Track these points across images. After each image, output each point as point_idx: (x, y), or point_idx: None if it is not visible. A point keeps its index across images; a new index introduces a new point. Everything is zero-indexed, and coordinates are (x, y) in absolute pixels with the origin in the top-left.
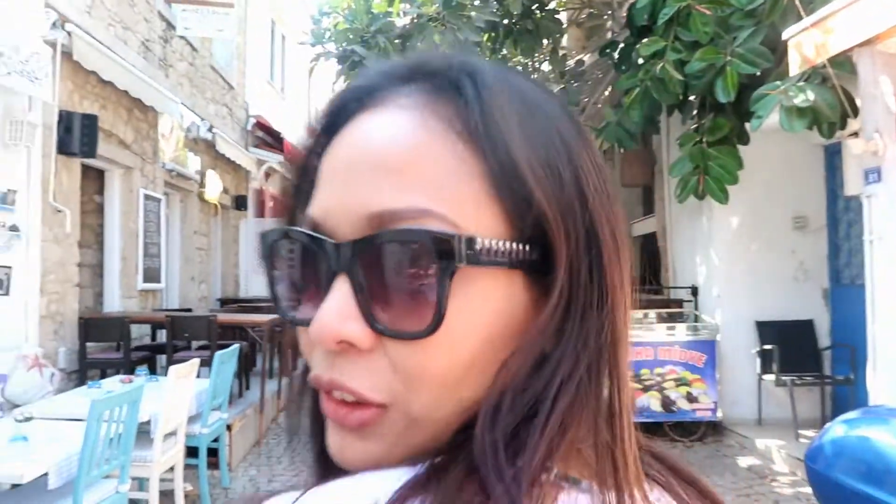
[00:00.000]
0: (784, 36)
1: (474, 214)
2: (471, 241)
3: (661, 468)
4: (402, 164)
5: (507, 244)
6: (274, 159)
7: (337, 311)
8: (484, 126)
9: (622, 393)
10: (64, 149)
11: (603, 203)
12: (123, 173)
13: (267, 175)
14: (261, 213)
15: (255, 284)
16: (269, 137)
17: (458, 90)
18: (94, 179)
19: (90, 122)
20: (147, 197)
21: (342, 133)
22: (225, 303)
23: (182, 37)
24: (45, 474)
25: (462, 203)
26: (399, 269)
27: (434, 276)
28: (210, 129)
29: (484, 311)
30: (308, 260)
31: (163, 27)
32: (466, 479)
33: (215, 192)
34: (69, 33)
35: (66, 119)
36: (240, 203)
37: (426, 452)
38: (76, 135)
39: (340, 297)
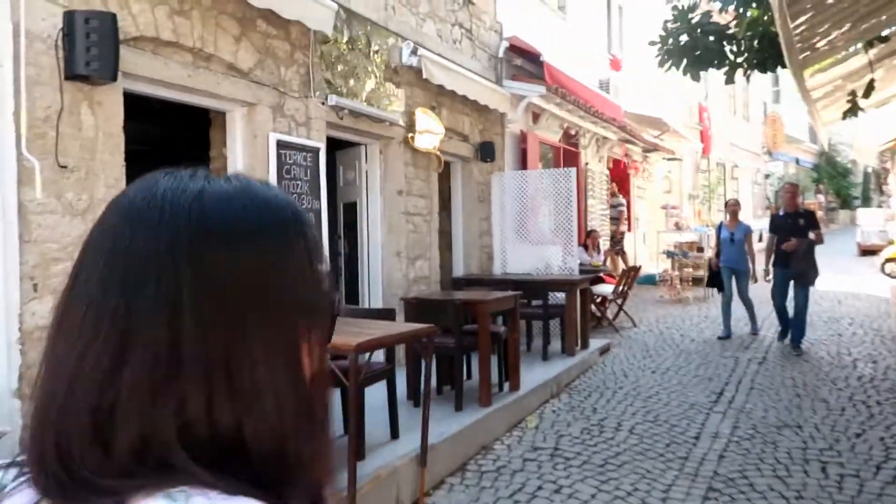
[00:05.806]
0: None
1: None
2: None
3: None
4: None
5: None
6: (535, 92)
7: None
8: None
9: None
10: (68, 71)
11: None
12: (247, 113)
13: (535, 116)
14: (523, 163)
15: (515, 258)
16: (531, 66)
17: None
18: (221, 126)
19: (102, 22)
20: (283, 145)
21: None
22: (467, 284)
23: None
24: None
25: None
26: None
27: None
28: (414, 53)
29: None
30: None
31: None
32: None
33: (431, 140)
34: None
35: (66, 25)
36: (485, 152)
37: None
38: (79, 47)
39: None
